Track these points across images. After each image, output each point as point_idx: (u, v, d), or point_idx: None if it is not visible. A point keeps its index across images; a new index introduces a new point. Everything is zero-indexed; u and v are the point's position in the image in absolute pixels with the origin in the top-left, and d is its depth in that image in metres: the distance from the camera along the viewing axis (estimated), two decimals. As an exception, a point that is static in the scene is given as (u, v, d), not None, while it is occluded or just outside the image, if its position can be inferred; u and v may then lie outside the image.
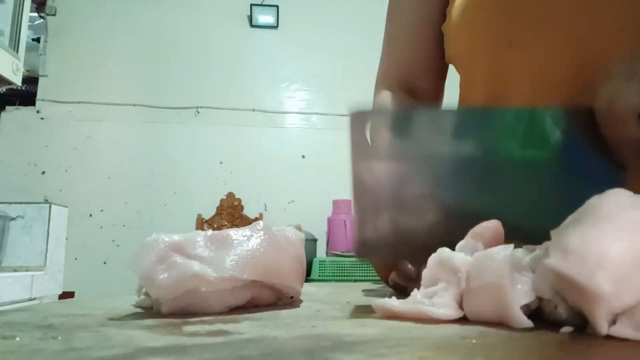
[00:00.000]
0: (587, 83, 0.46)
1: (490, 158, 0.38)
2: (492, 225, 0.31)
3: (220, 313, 0.31)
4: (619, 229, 0.20)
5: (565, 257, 0.20)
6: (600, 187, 0.31)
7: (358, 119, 0.37)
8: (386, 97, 0.62)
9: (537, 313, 0.25)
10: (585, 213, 0.22)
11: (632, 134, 0.37)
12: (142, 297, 0.34)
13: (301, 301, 0.38)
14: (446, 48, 0.61)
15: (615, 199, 0.22)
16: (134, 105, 2.97)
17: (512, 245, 0.26)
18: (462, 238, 0.31)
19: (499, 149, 0.39)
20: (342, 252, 2.21)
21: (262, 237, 0.34)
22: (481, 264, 0.26)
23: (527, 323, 0.23)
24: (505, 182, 0.39)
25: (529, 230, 0.36)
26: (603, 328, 0.20)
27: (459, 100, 0.60)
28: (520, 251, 0.28)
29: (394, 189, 0.38)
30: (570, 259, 0.20)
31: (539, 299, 0.25)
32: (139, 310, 0.33)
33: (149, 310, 0.32)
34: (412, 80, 0.63)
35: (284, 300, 0.37)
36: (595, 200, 0.22)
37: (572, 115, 0.41)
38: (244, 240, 0.33)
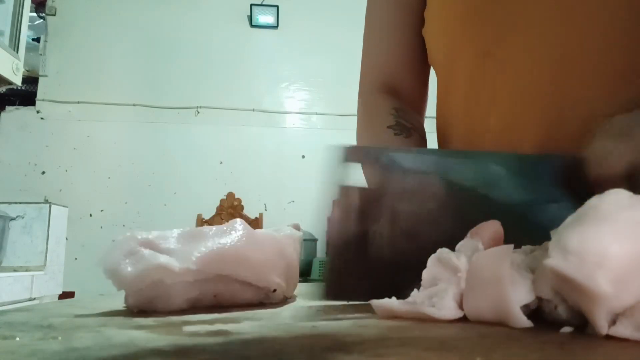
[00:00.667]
0: (566, 96, 0.46)
1: (470, 199, 0.38)
2: (491, 225, 0.31)
3: (183, 310, 0.31)
4: (618, 229, 0.20)
5: (565, 257, 0.20)
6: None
7: (343, 156, 0.36)
8: (375, 103, 0.62)
9: (537, 313, 0.25)
10: (585, 213, 0.22)
11: None
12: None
13: (301, 301, 0.38)
14: (428, 52, 0.61)
15: (615, 199, 0.22)
16: (134, 105, 2.97)
17: (511, 246, 0.26)
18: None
19: (481, 190, 0.38)
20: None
21: (235, 233, 0.33)
22: (480, 264, 0.26)
23: (527, 323, 0.23)
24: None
25: None
26: (603, 328, 0.20)
27: (437, 106, 0.60)
28: (519, 251, 0.28)
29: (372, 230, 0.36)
30: (570, 259, 0.20)
31: (539, 299, 0.25)
32: (138, 310, 0.33)
33: (148, 309, 0.32)
34: (394, 82, 0.63)
35: (270, 297, 0.36)
36: (595, 201, 0.22)
37: (563, 163, 0.40)
38: (216, 235, 0.33)
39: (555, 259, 0.21)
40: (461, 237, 0.31)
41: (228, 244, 0.32)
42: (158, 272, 0.30)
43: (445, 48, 0.55)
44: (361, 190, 0.36)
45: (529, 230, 0.38)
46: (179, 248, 0.32)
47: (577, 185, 0.39)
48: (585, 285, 0.19)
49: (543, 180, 0.40)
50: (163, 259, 0.30)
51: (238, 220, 0.35)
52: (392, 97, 0.62)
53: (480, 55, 0.51)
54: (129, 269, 0.30)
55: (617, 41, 0.45)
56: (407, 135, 0.56)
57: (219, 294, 0.33)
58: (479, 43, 0.51)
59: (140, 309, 0.31)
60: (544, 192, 0.39)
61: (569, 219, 0.23)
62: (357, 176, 0.37)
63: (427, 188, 0.37)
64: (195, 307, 0.32)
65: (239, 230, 0.33)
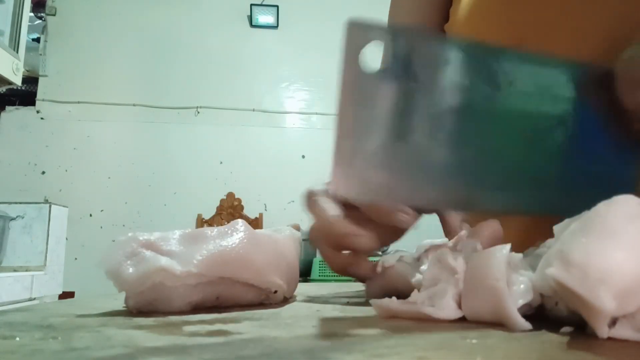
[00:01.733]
0: None
1: (493, 106, 0.34)
2: (490, 225, 0.31)
3: (183, 310, 0.31)
4: (624, 244, 0.20)
5: (568, 269, 0.20)
6: (611, 168, 0.28)
7: (355, 34, 0.31)
8: None
9: (539, 310, 0.25)
10: (591, 223, 0.22)
11: None
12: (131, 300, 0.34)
13: (301, 301, 0.38)
14: None
15: (623, 209, 0.21)
16: (134, 105, 2.97)
17: (509, 245, 0.26)
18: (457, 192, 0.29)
19: (505, 98, 0.34)
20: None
21: (237, 234, 0.33)
22: (477, 265, 0.26)
23: (525, 326, 0.23)
24: (506, 135, 0.34)
25: (527, 198, 0.33)
26: (604, 334, 0.20)
27: None
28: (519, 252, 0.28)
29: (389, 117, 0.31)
30: (573, 272, 0.20)
31: (541, 295, 0.25)
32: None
33: (149, 311, 0.32)
34: None
35: (270, 297, 0.36)
36: (602, 209, 0.22)
37: (591, 74, 0.36)
38: (218, 237, 0.33)
39: (558, 268, 0.21)
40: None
41: (230, 246, 0.32)
42: (159, 274, 0.30)
43: (476, 36, 0.55)
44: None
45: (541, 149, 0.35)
46: (181, 250, 0.32)
47: (606, 102, 0.35)
48: (587, 299, 0.19)
49: (566, 91, 0.36)
50: (164, 261, 0.30)
51: (239, 221, 0.35)
52: None
53: (514, 42, 0.50)
54: (130, 270, 0.30)
55: None
56: None
57: (221, 296, 0.33)
58: (513, 30, 0.50)
59: (140, 310, 0.31)
60: (566, 104, 0.36)
61: (574, 226, 0.22)
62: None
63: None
64: (196, 309, 0.32)
65: (240, 232, 0.33)
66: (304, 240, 0.43)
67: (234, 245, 0.32)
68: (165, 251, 0.31)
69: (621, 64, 0.35)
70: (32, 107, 2.90)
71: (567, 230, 0.22)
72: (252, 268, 0.33)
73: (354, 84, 0.32)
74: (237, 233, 0.33)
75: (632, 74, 0.35)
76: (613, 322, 0.20)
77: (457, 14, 0.58)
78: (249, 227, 0.34)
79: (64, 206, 1.67)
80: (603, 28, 0.45)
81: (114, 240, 0.32)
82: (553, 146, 0.35)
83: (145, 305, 0.31)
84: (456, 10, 0.58)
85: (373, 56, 0.33)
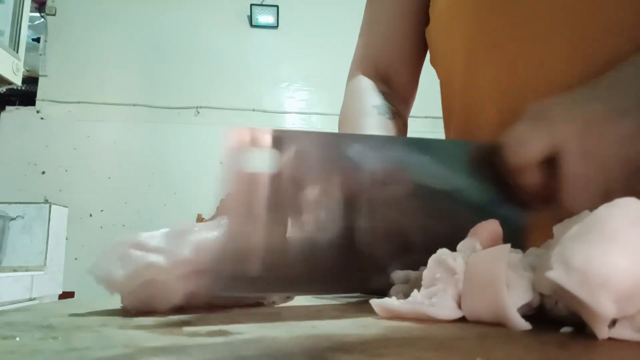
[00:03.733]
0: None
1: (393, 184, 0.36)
2: (489, 225, 0.31)
3: (183, 310, 0.31)
4: (624, 248, 0.20)
5: (569, 272, 0.20)
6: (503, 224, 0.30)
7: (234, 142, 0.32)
8: (364, 83, 0.62)
9: (539, 310, 0.25)
10: (592, 226, 0.21)
11: (532, 182, 0.36)
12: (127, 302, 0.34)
13: (301, 301, 0.38)
14: (430, 50, 0.60)
15: (624, 213, 0.21)
16: (134, 105, 2.97)
17: (508, 245, 0.26)
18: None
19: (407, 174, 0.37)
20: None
21: (221, 228, 0.33)
22: (477, 265, 0.26)
23: (525, 326, 0.23)
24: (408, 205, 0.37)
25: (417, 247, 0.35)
26: (603, 335, 0.20)
27: (442, 102, 0.60)
28: (517, 251, 0.28)
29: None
30: (573, 276, 0.20)
31: (541, 295, 0.25)
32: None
33: (149, 311, 0.32)
34: (389, 70, 0.63)
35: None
36: (602, 212, 0.22)
37: (481, 150, 0.39)
38: (203, 230, 0.33)
39: (558, 271, 0.21)
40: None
41: (216, 238, 0.32)
42: (149, 270, 0.30)
43: (452, 42, 0.55)
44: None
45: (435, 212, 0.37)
46: (168, 245, 0.32)
47: (496, 172, 0.38)
48: (587, 303, 0.19)
49: (458, 166, 0.39)
50: (152, 257, 0.31)
51: (225, 217, 0.35)
52: (384, 84, 0.62)
53: (489, 48, 0.50)
54: (120, 272, 0.30)
55: (631, 37, 0.43)
56: (391, 117, 0.55)
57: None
58: (488, 36, 0.50)
59: (137, 310, 0.31)
60: (458, 179, 0.38)
61: (575, 229, 0.22)
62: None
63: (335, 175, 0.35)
64: (193, 304, 0.32)
65: (223, 226, 0.34)
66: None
67: (216, 235, 0.33)
68: (152, 248, 0.32)
69: (506, 147, 0.37)
70: (32, 107, 2.89)
71: (567, 233, 0.22)
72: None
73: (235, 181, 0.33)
74: (220, 227, 0.33)
75: (516, 159, 0.37)
76: (613, 322, 0.20)
77: (434, 15, 0.57)
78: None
79: (64, 206, 1.67)
80: (574, 33, 0.45)
81: (102, 251, 0.32)
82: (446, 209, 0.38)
83: (140, 305, 0.31)
84: (434, 12, 0.58)
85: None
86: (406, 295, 0.29)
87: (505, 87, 0.49)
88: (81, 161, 2.87)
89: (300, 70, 3.14)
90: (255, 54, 3.12)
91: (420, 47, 0.62)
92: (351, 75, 0.66)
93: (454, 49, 0.55)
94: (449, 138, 0.58)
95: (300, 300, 0.38)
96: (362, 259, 0.36)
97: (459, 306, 0.27)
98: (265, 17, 3.12)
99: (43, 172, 2.84)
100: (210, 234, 0.33)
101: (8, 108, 2.87)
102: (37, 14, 2.89)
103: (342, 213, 0.35)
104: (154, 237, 0.32)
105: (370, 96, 0.58)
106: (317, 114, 3.11)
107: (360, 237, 0.35)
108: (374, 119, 0.55)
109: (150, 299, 0.31)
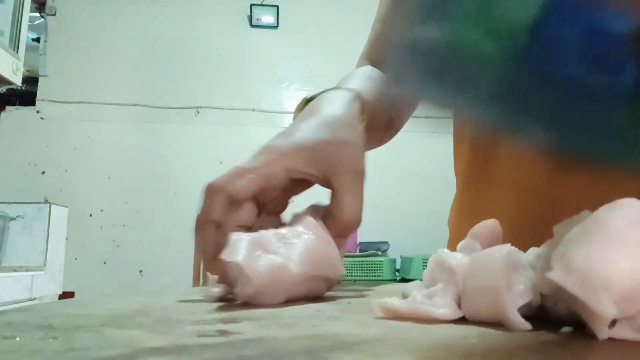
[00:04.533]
0: None
1: None
2: (490, 225, 0.31)
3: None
4: (626, 250, 0.20)
5: (569, 273, 0.20)
6: None
7: None
8: (368, 69, 0.61)
9: (539, 310, 0.25)
10: (593, 227, 0.21)
11: None
12: (217, 288, 0.36)
13: (301, 301, 0.38)
14: None
15: (625, 214, 0.21)
16: (134, 105, 2.97)
17: (508, 245, 0.26)
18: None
19: None
20: (342, 252, 2.20)
21: (315, 234, 0.36)
22: (476, 265, 0.26)
23: (525, 326, 0.23)
24: None
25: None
26: (604, 336, 0.20)
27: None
28: (517, 250, 0.28)
29: None
30: (574, 276, 0.20)
31: (541, 295, 0.25)
32: (138, 310, 0.33)
33: (149, 311, 0.32)
34: None
35: (333, 286, 0.39)
36: (604, 213, 0.22)
37: None
38: (300, 237, 0.36)
39: (558, 272, 0.21)
40: None
41: (317, 247, 0.36)
42: (281, 271, 0.33)
43: None
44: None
45: None
46: (283, 252, 0.34)
47: None
48: (588, 304, 0.19)
49: None
50: (281, 259, 0.33)
51: (308, 218, 0.37)
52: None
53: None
54: (261, 262, 0.33)
55: None
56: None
57: (310, 292, 0.36)
58: None
59: (250, 301, 0.33)
60: None
61: (576, 229, 0.22)
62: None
63: None
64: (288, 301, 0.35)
65: (315, 231, 0.36)
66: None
67: (319, 245, 0.36)
68: (271, 251, 0.34)
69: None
70: (32, 107, 2.90)
71: (568, 233, 0.22)
72: (333, 265, 0.37)
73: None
74: (312, 232, 0.36)
75: None
76: (612, 322, 0.20)
77: None
78: (316, 224, 0.37)
79: (64, 206, 1.67)
80: None
81: (231, 238, 0.34)
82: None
83: (256, 297, 0.33)
84: None
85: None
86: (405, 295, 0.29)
87: None
88: (81, 161, 2.87)
89: (300, 70, 3.14)
90: (255, 54, 3.12)
91: None
92: (358, 65, 0.65)
93: None
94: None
95: (301, 300, 0.38)
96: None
97: (459, 306, 0.27)
98: (265, 17, 3.13)
99: (43, 172, 2.84)
100: (309, 242, 0.36)
101: (8, 108, 2.87)
102: (37, 14, 2.89)
103: None
104: (267, 239, 0.35)
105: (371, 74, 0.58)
106: (317, 114, 3.11)
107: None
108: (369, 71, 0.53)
109: (263, 296, 0.33)
